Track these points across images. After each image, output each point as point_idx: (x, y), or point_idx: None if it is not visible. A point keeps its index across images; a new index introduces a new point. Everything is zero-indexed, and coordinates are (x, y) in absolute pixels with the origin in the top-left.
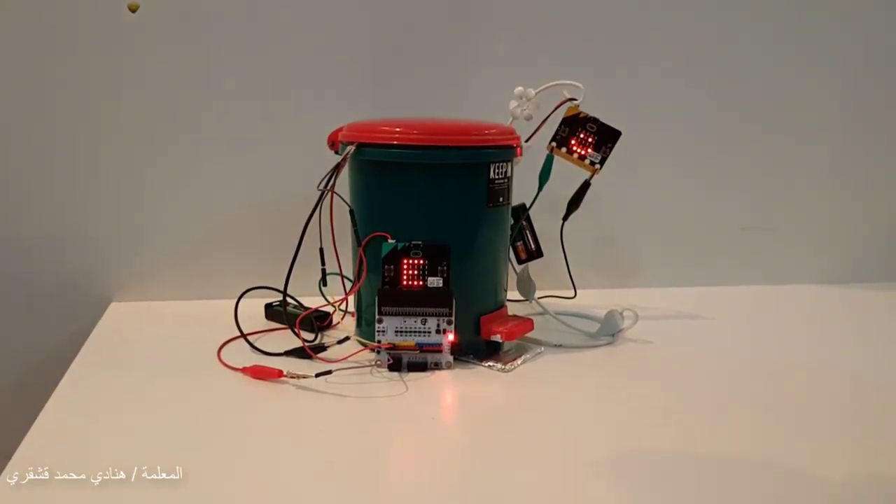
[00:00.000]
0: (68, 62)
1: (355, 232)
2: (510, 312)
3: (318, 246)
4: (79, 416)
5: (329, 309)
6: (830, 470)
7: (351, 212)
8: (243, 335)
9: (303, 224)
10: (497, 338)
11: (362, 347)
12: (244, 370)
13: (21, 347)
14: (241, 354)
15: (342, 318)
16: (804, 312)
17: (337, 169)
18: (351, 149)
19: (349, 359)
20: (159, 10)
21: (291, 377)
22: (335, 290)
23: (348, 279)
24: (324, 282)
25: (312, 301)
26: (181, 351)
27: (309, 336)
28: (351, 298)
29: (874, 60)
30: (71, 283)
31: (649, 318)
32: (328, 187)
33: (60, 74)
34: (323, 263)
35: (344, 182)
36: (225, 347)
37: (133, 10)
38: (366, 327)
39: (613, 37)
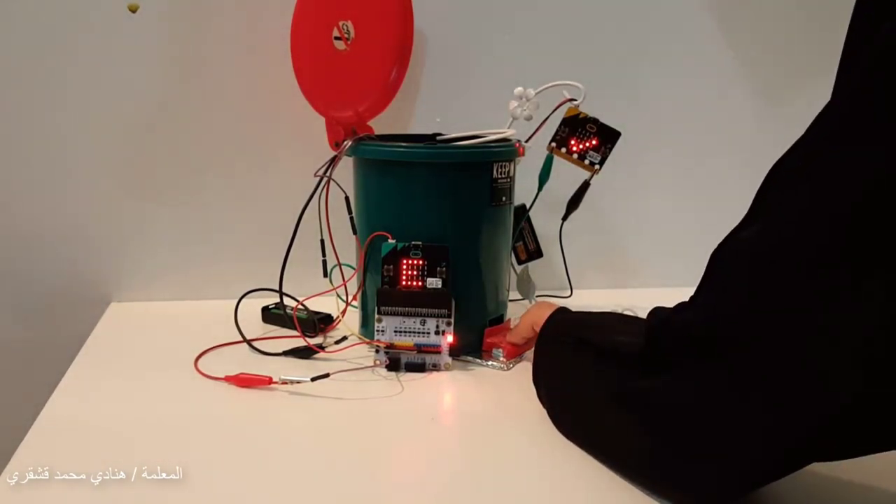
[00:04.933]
0: (69, 61)
1: (352, 220)
2: (510, 315)
3: (319, 238)
4: (79, 416)
5: (330, 296)
6: (829, 469)
7: (346, 199)
8: (245, 339)
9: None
10: (499, 353)
11: (359, 341)
12: (227, 379)
13: (21, 347)
14: (241, 355)
15: (344, 312)
16: None
17: (334, 160)
18: (348, 142)
19: (347, 360)
20: (158, 10)
21: (283, 383)
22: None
23: (349, 266)
24: (324, 272)
25: (313, 303)
26: (181, 351)
27: (309, 335)
28: (350, 289)
29: None
30: (71, 283)
31: None
32: (326, 174)
33: (61, 73)
34: (324, 254)
35: (349, 182)
36: (224, 349)
37: (133, 10)
38: (370, 327)
39: (614, 37)
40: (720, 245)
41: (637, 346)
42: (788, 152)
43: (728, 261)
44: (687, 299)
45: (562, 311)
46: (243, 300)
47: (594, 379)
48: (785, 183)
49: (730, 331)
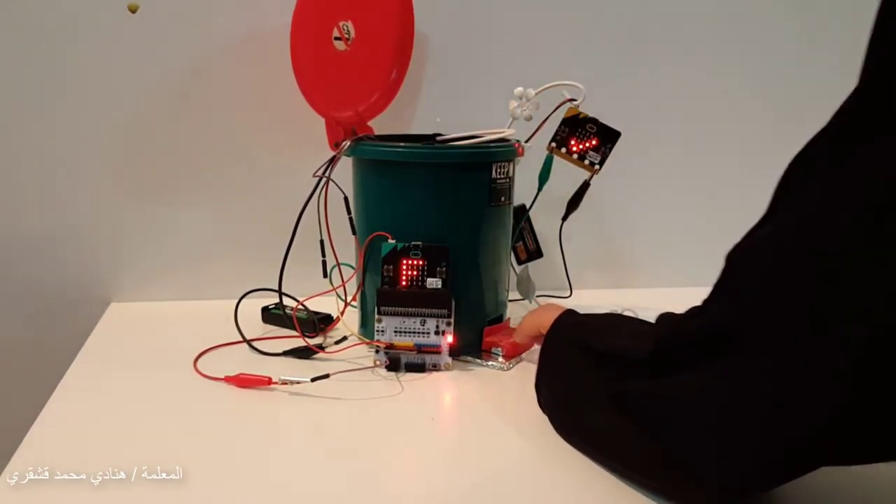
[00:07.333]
0: (69, 62)
1: (351, 220)
2: (510, 314)
3: (318, 238)
4: (79, 416)
5: (330, 296)
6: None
7: (345, 199)
8: (245, 339)
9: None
10: (498, 352)
11: (359, 342)
12: (227, 379)
13: (21, 347)
14: (241, 356)
15: (343, 312)
16: None
17: (333, 160)
18: (346, 143)
19: (347, 360)
20: (158, 10)
21: (283, 384)
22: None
23: (348, 266)
24: (324, 273)
25: (313, 303)
26: (181, 351)
27: (309, 335)
28: (350, 289)
29: None
30: (71, 283)
31: (649, 318)
32: (324, 174)
33: (61, 73)
34: (323, 255)
35: (348, 182)
36: (224, 349)
37: (133, 10)
38: (369, 327)
39: (613, 37)
40: (736, 246)
41: (644, 350)
42: (807, 147)
43: (740, 262)
44: (690, 301)
45: (569, 314)
46: (243, 300)
47: (597, 382)
48: (801, 180)
49: (736, 331)
